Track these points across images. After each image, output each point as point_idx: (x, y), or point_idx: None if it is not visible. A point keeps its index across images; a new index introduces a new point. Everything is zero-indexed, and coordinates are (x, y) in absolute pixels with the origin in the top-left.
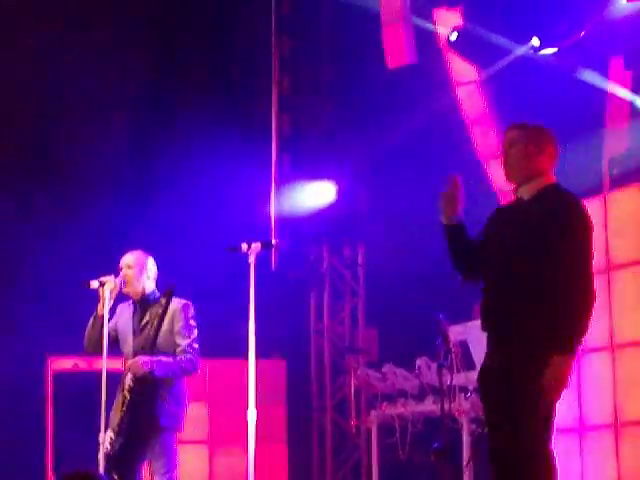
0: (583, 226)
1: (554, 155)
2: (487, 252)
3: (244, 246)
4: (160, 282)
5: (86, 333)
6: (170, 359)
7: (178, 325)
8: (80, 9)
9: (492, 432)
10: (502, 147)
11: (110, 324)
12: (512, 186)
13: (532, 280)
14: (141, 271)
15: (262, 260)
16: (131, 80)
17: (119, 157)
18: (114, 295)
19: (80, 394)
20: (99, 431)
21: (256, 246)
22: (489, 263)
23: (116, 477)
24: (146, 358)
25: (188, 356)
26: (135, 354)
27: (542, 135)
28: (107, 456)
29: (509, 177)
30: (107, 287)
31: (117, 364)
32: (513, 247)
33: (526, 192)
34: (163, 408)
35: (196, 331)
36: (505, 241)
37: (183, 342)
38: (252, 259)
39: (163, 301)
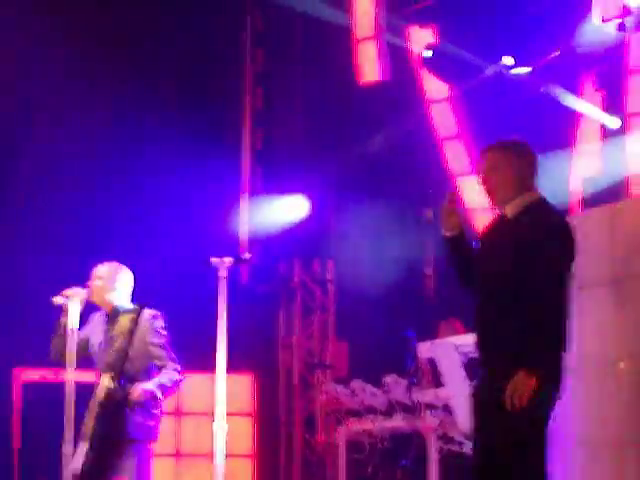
0: (564, 246)
1: (535, 168)
2: (474, 272)
3: (215, 260)
4: (132, 295)
5: (52, 343)
6: (164, 378)
7: (150, 335)
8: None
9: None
10: (482, 171)
11: (81, 332)
12: (495, 207)
13: (512, 300)
14: (111, 283)
15: (233, 274)
16: (99, 90)
17: (87, 170)
18: (82, 307)
19: (48, 405)
20: (65, 442)
21: (227, 260)
22: (476, 284)
23: None
24: (147, 386)
25: (172, 365)
26: (106, 367)
27: (520, 152)
28: (81, 470)
29: (493, 202)
30: (73, 300)
31: (85, 376)
32: (496, 268)
33: (510, 210)
34: (135, 420)
35: (168, 339)
36: (488, 261)
37: (160, 352)
38: (223, 273)
39: (134, 315)
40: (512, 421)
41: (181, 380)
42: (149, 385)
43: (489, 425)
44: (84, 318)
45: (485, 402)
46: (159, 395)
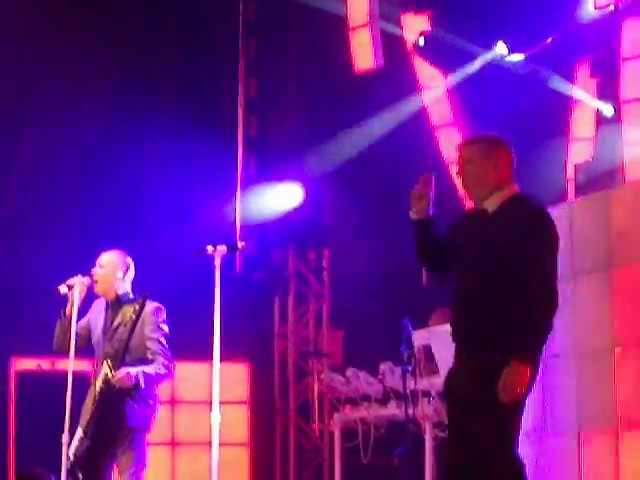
0: (546, 235)
1: (511, 163)
2: (452, 262)
3: (209, 248)
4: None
5: (55, 334)
6: (151, 368)
7: (149, 329)
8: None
9: (455, 433)
10: (458, 165)
11: (82, 321)
12: (474, 201)
13: (496, 290)
14: (113, 272)
15: (227, 263)
16: (97, 82)
17: (85, 157)
18: (83, 295)
19: (44, 394)
20: (62, 432)
21: (221, 249)
22: (455, 274)
23: (81, 477)
24: (132, 371)
25: (162, 360)
26: (106, 357)
27: (495, 147)
28: (74, 456)
29: (469, 195)
30: (76, 289)
31: (82, 365)
32: (477, 260)
33: (489, 205)
34: (132, 409)
35: (167, 334)
36: (469, 254)
37: (155, 346)
38: (218, 262)
39: (137, 307)
40: (496, 409)
41: (166, 375)
42: (133, 370)
43: (470, 412)
44: (85, 306)
45: (466, 390)
46: (141, 382)
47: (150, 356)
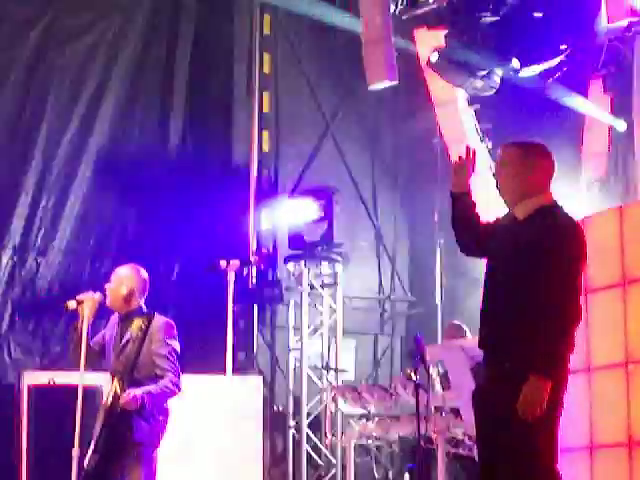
0: (572, 249)
1: (548, 172)
2: (482, 247)
3: (223, 263)
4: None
5: (69, 350)
6: (157, 387)
7: (156, 345)
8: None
9: (486, 451)
10: (496, 166)
11: (97, 337)
12: (508, 206)
13: (518, 301)
14: (126, 286)
15: (240, 276)
16: (111, 95)
17: (99, 171)
18: (94, 311)
19: (57, 408)
20: (73, 446)
21: (234, 263)
22: (484, 283)
23: None
24: (137, 393)
25: (170, 377)
26: (115, 373)
27: (533, 153)
28: (85, 470)
29: (502, 197)
30: (86, 305)
31: (97, 379)
32: (503, 269)
33: (520, 212)
34: (139, 424)
35: (176, 350)
36: (496, 261)
37: (163, 364)
38: (231, 276)
39: (144, 323)
40: (524, 426)
41: (174, 392)
42: (139, 392)
43: (497, 429)
44: (104, 320)
45: (492, 405)
46: (147, 403)
47: (158, 372)
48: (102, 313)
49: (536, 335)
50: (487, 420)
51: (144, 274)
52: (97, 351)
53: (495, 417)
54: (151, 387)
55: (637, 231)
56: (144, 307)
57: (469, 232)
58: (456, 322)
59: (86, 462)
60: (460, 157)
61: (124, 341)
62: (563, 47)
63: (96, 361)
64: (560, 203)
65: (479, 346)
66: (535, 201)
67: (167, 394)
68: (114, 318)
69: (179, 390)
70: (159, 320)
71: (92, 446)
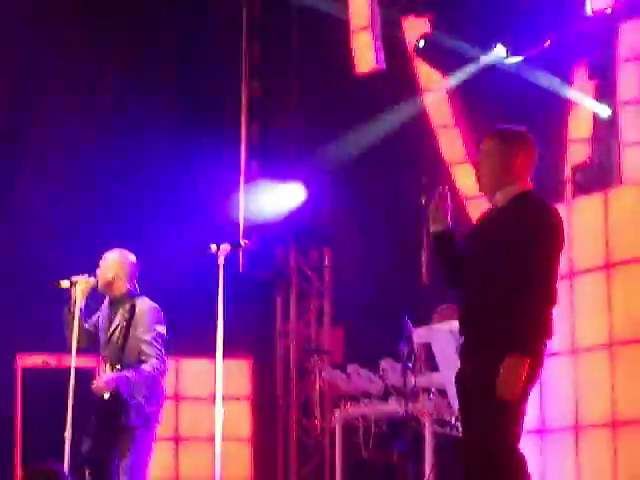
0: (548, 233)
1: (529, 159)
2: (463, 261)
3: (213, 247)
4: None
5: (65, 333)
6: (133, 372)
7: (140, 330)
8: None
9: (466, 433)
10: (477, 157)
11: (92, 319)
12: (485, 195)
13: (497, 285)
14: (115, 270)
15: (230, 261)
16: (100, 84)
17: (88, 157)
18: (86, 294)
19: (51, 390)
20: (66, 427)
21: (225, 247)
22: (464, 271)
23: (87, 474)
24: (110, 377)
25: (152, 362)
26: (105, 358)
27: (511, 140)
28: (82, 453)
29: (481, 187)
30: (79, 286)
31: (86, 361)
32: (481, 255)
33: (499, 200)
34: (132, 408)
35: (162, 334)
36: (474, 249)
37: (147, 349)
38: (221, 260)
39: (129, 307)
40: (497, 406)
41: (155, 377)
42: (111, 376)
43: (475, 410)
44: (97, 304)
45: (470, 388)
46: (121, 388)
47: (143, 357)
48: (99, 295)
49: (511, 317)
50: (464, 402)
51: (132, 258)
52: (90, 333)
53: (470, 398)
54: (128, 372)
55: (621, 215)
56: (134, 291)
57: (455, 268)
58: (447, 305)
59: (82, 447)
60: (434, 201)
61: (113, 326)
62: (548, 34)
63: (90, 344)
64: (539, 191)
65: (459, 332)
66: (512, 189)
67: (147, 378)
68: (106, 301)
69: (161, 375)
70: (145, 305)
71: (86, 430)
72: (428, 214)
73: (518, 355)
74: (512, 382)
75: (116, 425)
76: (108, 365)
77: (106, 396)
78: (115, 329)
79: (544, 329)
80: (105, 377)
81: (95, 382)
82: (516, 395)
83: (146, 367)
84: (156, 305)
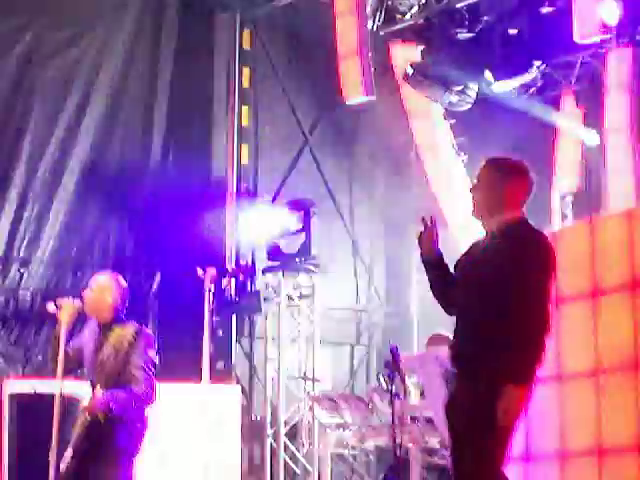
0: (539, 262)
1: (522, 190)
2: (456, 288)
3: (200, 271)
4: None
5: (50, 357)
6: (125, 394)
7: (132, 356)
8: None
9: (455, 460)
10: (472, 184)
11: (74, 342)
12: (478, 221)
13: (489, 313)
14: (105, 294)
15: (218, 285)
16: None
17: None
18: (73, 318)
19: (36, 415)
20: (51, 450)
21: (211, 271)
22: (456, 298)
23: None
24: (103, 397)
25: (142, 387)
26: (96, 380)
27: (507, 169)
28: (63, 475)
29: (473, 212)
30: (65, 310)
31: (76, 386)
32: (472, 283)
33: (490, 228)
34: (121, 431)
35: (153, 361)
36: (466, 277)
37: (137, 373)
38: (207, 284)
39: (122, 332)
40: (486, 430)
41: (143, 402)
42: (103, 396)
43: (464, 433)
44: (81, 326)
45: (459, 414)
46: (113, 408)
47: (132, 382)
48: (81, 318)
49: (508, 347)
50: (454, 428)
51: (123, 283)
52: (74, 357)
53: (460, 423)
54: (120, 393)
55: (607, 243)
56: (123, 315)
57: (448, 294)
58: (442, 332)
59: (63, 466)
60: (421, 232)
61: (105, 351)
62: (537, 63)
63: (73, 367)
64: (530, 220)
65: (451, 360)
66: (504, 218)
67: (136, 403)
68: (93, 324)
69: (150, 401)
70: (138, 330)
71: (70, 451)
72: (418, 243)
73: (516, 385)
74: (512, 412)
75: (104, 447)
76: (97, 388)
77: (101, 418)
78: (107, 354)
79: (538, 358)
80: (97, 398)
81: (87, 404)
82: (514, 422)
83: (136, 392)
84: (148, 330)
